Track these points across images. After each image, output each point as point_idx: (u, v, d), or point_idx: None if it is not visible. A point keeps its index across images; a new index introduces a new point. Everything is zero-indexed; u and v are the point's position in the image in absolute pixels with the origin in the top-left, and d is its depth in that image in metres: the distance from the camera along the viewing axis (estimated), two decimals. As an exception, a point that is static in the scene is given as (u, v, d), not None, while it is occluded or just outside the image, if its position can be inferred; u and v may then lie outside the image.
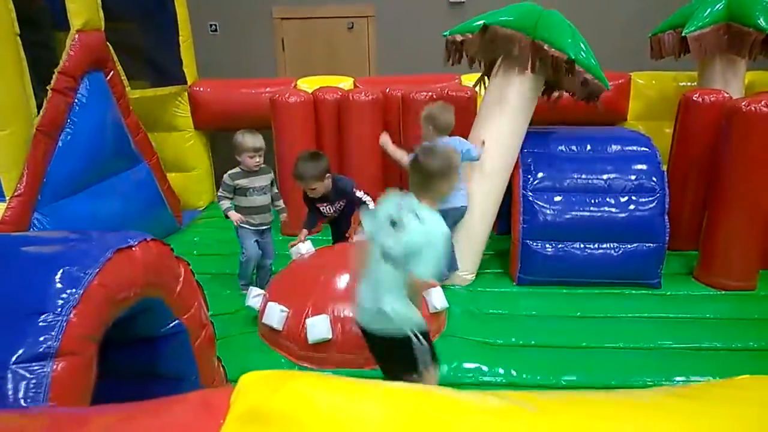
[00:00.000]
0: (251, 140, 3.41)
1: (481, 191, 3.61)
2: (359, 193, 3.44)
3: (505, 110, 3.54)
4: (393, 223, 2.15)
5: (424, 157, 2.23)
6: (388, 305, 2.14)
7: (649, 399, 1.02)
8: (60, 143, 3.62)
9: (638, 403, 0.99)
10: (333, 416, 0.90)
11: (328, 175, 3.36)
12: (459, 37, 3.58)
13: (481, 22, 3.52)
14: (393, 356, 2.28)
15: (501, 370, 2.86)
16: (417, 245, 2.04)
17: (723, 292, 3.59)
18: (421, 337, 2.17)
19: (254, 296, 3.17)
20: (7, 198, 3.32)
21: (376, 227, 2.21)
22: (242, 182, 3.47)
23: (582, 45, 3.38)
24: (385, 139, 3.81)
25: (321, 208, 3.55)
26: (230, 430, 0.88)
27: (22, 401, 1.37)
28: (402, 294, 2.14)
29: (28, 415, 1.18)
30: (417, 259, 2.04)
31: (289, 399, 0.92)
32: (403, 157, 3.57)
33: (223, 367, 2.51)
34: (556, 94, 3.78)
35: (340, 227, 3.67)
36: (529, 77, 3.48)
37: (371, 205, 3.28)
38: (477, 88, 4.01)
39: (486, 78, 3.81)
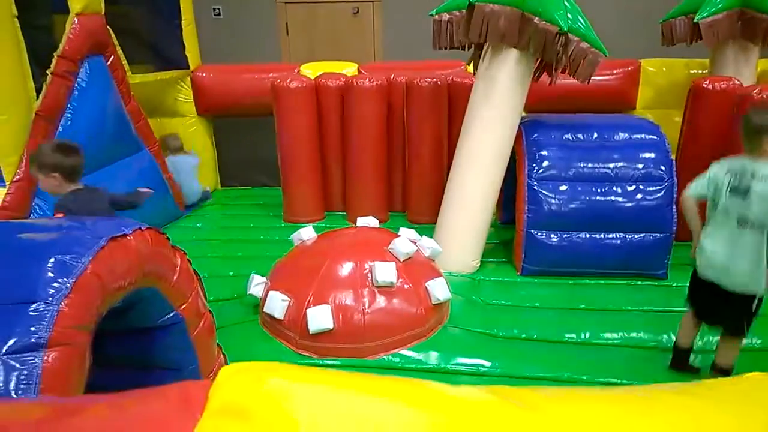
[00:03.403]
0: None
1: (480, 178, 3.56)
2: None
3: (496, 94, 3.43)
4: (738, 190, 2.40)
5: (754, 116, 2.44)
6: (746, 266, 2.41)
7: (649, 395, 0.98)
8: (60, 128, 3.58)
9: (637, 400, 0.96)
10: (314, 410, 0.87)
11: (55, 174, 2.58)
12: (446, 16, 3.47)
13: None
14: (730, 314, 2.56)
15: (503, 362, 2.83)
16: None
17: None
18: (758, 303, 2.47)
19: (256, 284, 3.15)
20: (7, 183, 3.30)
21: (719, 195, 2.46)
22: None
23: (579, 16, 3.22)
24: None
25: None
26: (207, 425, 0.85)
27: (12, 392, 1.34)
28: (759, 256, 2.40)
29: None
30: None
31: (269, 393, 0.89)
32: None
33: (224, 354, 2.50)
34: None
35: None
36: (520, 56, 3.35)
37: None
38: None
39: (476, 62, 3.68)
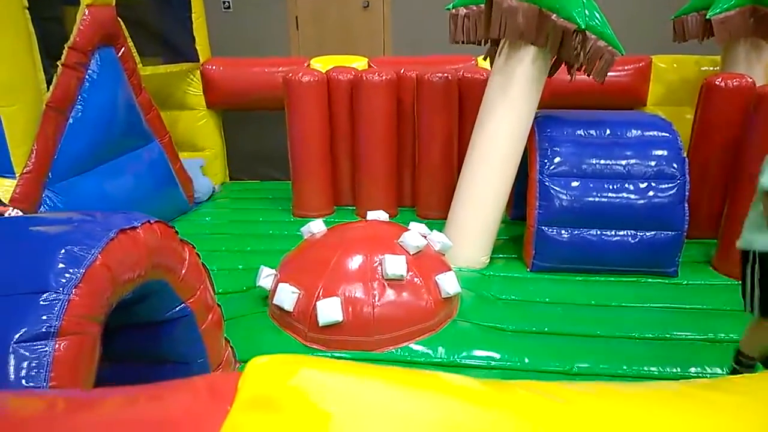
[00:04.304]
0: None
1: (493, 174, 3.54)
2: None
3: (512, 91, 3.41)
4: None
5: None
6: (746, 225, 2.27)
7: (684, 392, 0.97)
8: (71, 120, 3.59)
9: (673, 396, 0.95)
10: (345, 402, 0.86)
11: None
12: (463, 11, 3.45)
13: None
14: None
15: (512, 357, 2.82)
16: None
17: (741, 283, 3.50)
18: (756, 267, 2.22)
19: (265, 276, 3.15)
20: (17, 175, 3.31)
21: None
22: None
23: (595, 12, 3.19)
24: None
25: None
26: (237, 416, 0.84)
27: (23, 381, 1.34)
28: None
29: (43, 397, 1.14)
30: None
31: (299, 384, 0.88)
32: None
33: (231, 348, 2.50)
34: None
35: None
36: (537, 53, 3.32)
37: None
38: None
39: (492, 57, 3.66)
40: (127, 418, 0.88)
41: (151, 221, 1.84)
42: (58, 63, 3.47)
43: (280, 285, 2.94)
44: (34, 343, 1.38)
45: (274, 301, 2.95)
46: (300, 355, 0.98)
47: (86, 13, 3.63)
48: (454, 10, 3.53)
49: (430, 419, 0.84)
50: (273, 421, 0.82)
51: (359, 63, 5.04)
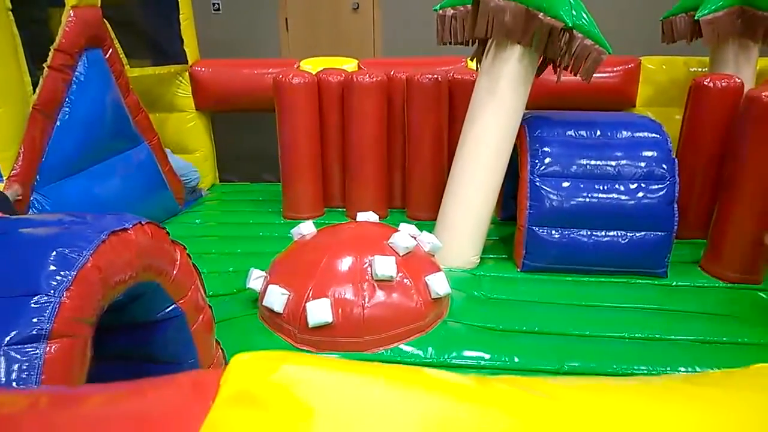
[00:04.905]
0: None
1: (482, 174, 3.56)
2: None
3: (500, 91, 3.42)
4: None
5: None
6: None
7: (665, 386, 0.98)
8: (58, 122, 3.56)
9: (654, 389, 0.96)
10: (328, 398, 0.85)
11: None
12: (450, 11, 3.46)
13: None
14: None
15: (503, 356, 2.83)
16: None
17: (729, 285, 3.53)
18: None
19: (255, 278, 3.14)
20: (5, 178, 3.28)
21: None
22: None
23: (582, 12, 3.21)
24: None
25: None
26: (219, 412, 0.83)
27: (14, 384, 1.34)
28: None
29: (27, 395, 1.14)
30: None
31: (281, 380, 0.87)
32: None
33: (222, 350, 2.49)
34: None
35: None
36: (524, 53, 3.33)
37: None
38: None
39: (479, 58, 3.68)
40: (108, 415, 0.87)
41: (143, 222, 1.83)
42: (44, 65, 3.44)
43: (270, 287, 2.94)
44: (26, 346, 1.38)
45: (263, 303, 2.95)
46: (284, 351, 0.97)
47: (71, 15, 3.60)
48: (441, 11, 3.55)
49: (413, 414, 0.84)
50: (255, 416, 0.82)
51: (349, 64, 5.04)
